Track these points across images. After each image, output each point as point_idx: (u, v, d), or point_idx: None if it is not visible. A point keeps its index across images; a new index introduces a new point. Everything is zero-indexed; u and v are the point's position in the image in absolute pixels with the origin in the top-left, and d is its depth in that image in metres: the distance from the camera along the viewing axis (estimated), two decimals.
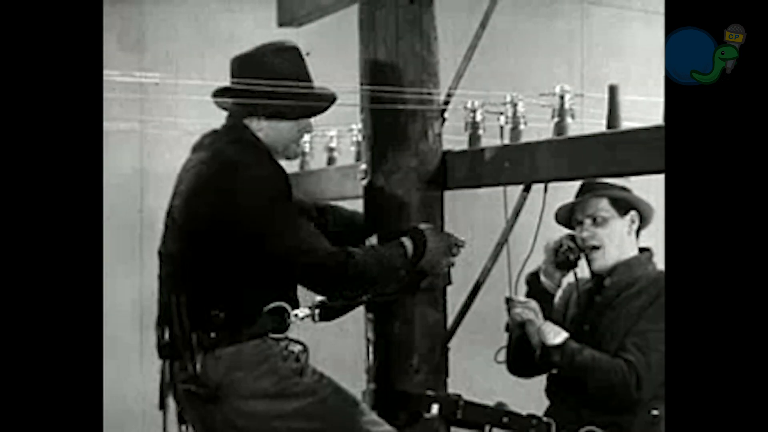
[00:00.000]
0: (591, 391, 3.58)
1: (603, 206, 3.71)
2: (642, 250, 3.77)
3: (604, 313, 3.68)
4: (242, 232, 3.23)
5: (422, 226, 3.49)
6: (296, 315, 3.34)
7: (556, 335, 3.63)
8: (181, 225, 3.34)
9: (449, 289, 3.67)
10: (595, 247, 3.71)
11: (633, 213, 3.72)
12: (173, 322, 3.27)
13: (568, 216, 3.78)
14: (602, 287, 3.73)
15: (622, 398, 3.55)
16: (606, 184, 3.72)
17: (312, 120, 3.44)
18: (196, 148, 3.44)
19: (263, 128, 3.36)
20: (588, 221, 3.72)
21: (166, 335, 3.31)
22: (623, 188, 3.73)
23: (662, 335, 3.29)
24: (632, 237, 3.74)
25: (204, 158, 3.36)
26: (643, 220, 3.75)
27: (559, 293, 3.84)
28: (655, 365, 3.51)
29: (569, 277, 3.83)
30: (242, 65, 3.38)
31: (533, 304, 3.69)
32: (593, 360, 3.57)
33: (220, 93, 3.42)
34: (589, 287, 3.79)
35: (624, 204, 3.71)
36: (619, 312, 3.65)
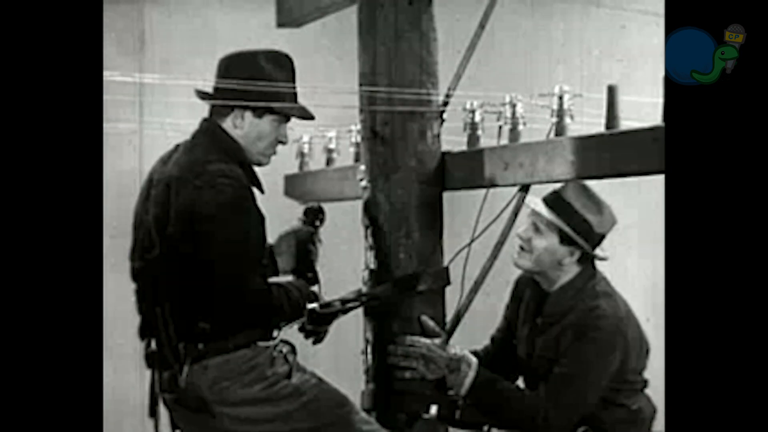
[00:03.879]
0: (503, 424, 3.55)
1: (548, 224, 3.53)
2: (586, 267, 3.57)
3: (541, 339, 3.58)
4: (217, 243, 3.20)
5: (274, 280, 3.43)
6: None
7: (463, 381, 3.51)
8: (161, 239, 3.28)
9: (448, 289, 3.67)
10: (524, 249, 3.56)
11: (575, 248, 3.52)
12: (160, 333, 3.27)
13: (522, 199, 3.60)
14: (544, 307, 3.60)
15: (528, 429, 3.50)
16: (569, 210, 3.50)
17: (288, 132, 3.42)
18: (165, 160, 3.39)
19: (244, 127, 3.33)
20: (531, 228, 3.55)
21: (153, 344, 3.31)
22: (582, 219, 3.49)
23: (577, 379, 3.42)
24: (572, 262, 3.53)
25: (174, 171, 3.30)
26: (587, 255, 3.54)
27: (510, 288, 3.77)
28: (568, 405, 3.45)
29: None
30: (231, 63, 3.40)
31: (422, 343, 3.54)
32: (502, 397, 3.51)
33: (204, 93, 3.40)
34: (531, 298, 3.66)
35: (566, 237, 3.51)
36: (551, 342, 3.53)
